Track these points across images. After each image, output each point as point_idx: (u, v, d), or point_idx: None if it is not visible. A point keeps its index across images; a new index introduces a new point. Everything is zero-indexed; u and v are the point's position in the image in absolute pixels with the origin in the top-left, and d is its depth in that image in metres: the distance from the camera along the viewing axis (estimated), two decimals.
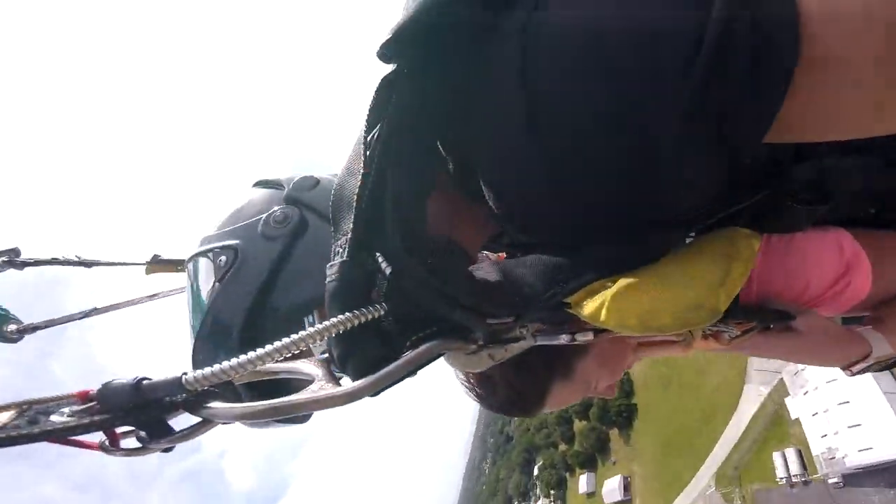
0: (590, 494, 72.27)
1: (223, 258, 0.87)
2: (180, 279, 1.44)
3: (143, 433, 0.54)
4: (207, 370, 0.52)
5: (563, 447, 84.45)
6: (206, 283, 0.89)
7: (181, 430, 0.55)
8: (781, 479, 37.60)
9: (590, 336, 0.73)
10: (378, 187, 0.64)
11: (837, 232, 0.89)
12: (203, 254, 0.91)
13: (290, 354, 0.54)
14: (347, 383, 0.58)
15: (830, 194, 0.81)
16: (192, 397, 0.53)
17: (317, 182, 0.96)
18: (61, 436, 0.49)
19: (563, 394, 1.06)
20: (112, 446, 0.54)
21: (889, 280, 0.92)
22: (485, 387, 1.05)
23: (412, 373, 0.61)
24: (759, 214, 0.77)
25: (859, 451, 28.09)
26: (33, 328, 1.16)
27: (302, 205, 0.92)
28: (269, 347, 0.53)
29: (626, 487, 62.49)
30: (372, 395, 0.58)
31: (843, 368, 0.98)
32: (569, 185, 0.60)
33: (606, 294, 0.62)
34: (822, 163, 0.80)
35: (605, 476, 67.62)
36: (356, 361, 0.60)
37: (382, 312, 0.60)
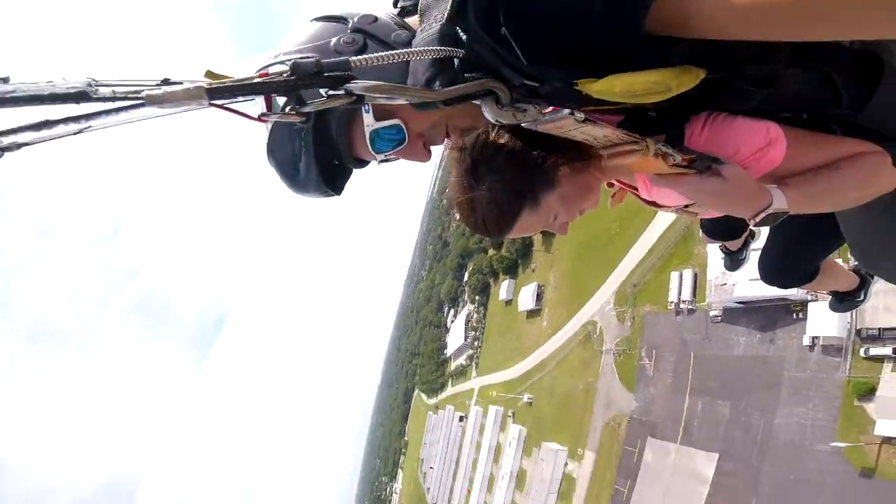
0: (508, 302, 74.09)
1: None
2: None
3: (297, 107, 0.87)
4: (371, 55, 0.84)
5: (491, 252, 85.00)
6: None
7: (328, 95, 0.83)
8: (672, 303, 37.04)
9: (579, 115, 1.01)
10: None
11: (769, 122, 1.26)
12: (283, 62, 1.02)
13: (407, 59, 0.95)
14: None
15: (768, 83, 1.15)
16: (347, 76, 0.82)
17: (376, 18, 1.23)
18: (273, 89, 0.80)
19: (528, 221, 1.36)
20: (268, 111, 0.88)
21: (797, 162, 1.29)
22: (469, 209, 1.35)
23: (467, 97, 0.97)
24: (716, 91, 1.09)
25: (750, 280, 26.73)
26: (17, 146, 0.92)
27: (366, 33, 1.19)
28: (404, 50, 0.92)
29: (539, 296, 63.42)
30: (444, 103, 0.96)
31: (749, 219, 1.30)
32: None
33: (604, 79, 0.95)
34: (770, 67, 1.13)
35: (524, 283, 68.39)
36: (443, 77, 0.99)
37: (460, 55, 0.96)
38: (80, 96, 0.65)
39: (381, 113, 1.23)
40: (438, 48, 0.94)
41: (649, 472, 38.09)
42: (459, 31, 0.96)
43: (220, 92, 0.72)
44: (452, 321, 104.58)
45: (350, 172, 1.41)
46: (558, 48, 0.94)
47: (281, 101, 0.99)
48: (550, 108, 1.09)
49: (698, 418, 34.59)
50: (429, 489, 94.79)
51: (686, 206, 1.60)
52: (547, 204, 1.37)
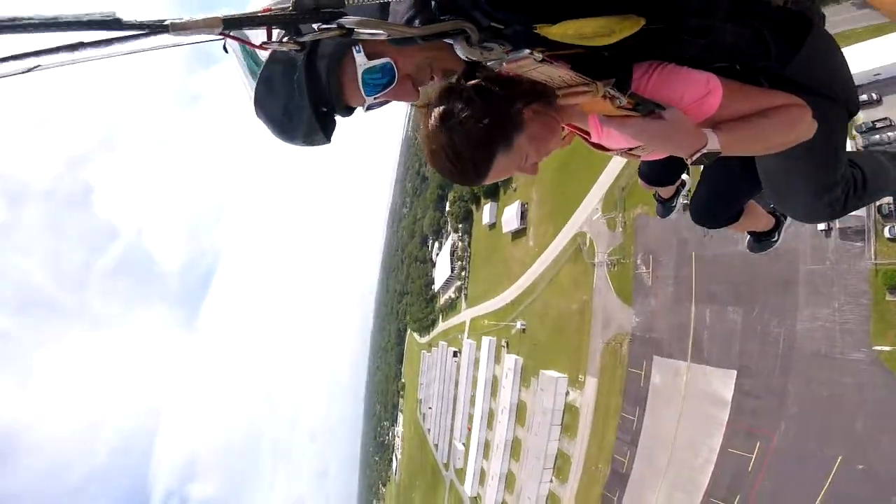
0: (491, 226, 69.94)
1: None
2: None
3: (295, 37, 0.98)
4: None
5: None
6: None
7: (320, 28, 0.97)
8: None
9: (538, 56, 1.14)
10: None
11: (709, 73, 1.42)
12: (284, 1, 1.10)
13: None
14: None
15: (706, 33, 1.33)
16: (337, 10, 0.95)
17: None
18: (276, 20, 0.92)
19: (503, 164, 1.44)
20: (268, 40, 0.96)
21: (731, 110, 1.45)
22: (444, 158, 1.42)
23: (443, 35, 1.12)
24: (660, 40, 1.23)
25: None
26: (52, 66, 1.09)
27: None
28: None
29: (523, 215, 58.85)
30: (423, 39, 1.13)
31: (686, 158, 1.45)
32: None
33: (560, 24, 1.11)
34: (709, 21, 1.32)
35: (506, 204, 63.80)
36: (422, 17, 1.12)
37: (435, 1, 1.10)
38: (112, 23, 0.72)
39: (371, 54, 1.28)
40: None
41: (659, 397, 33.59)
42: None
43: (232, 21, 0.85)
44: (437, 254, 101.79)
45: (334, 122, 1.42)
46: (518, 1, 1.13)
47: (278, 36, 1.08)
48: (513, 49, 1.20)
49: (708, 330, 29.89)
50: (429, 430, 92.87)
51: (630, 150, 1.68)
52: (519, 145, 1.45)
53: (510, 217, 60.69)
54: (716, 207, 2.35)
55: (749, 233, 2.92)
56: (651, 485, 33.04)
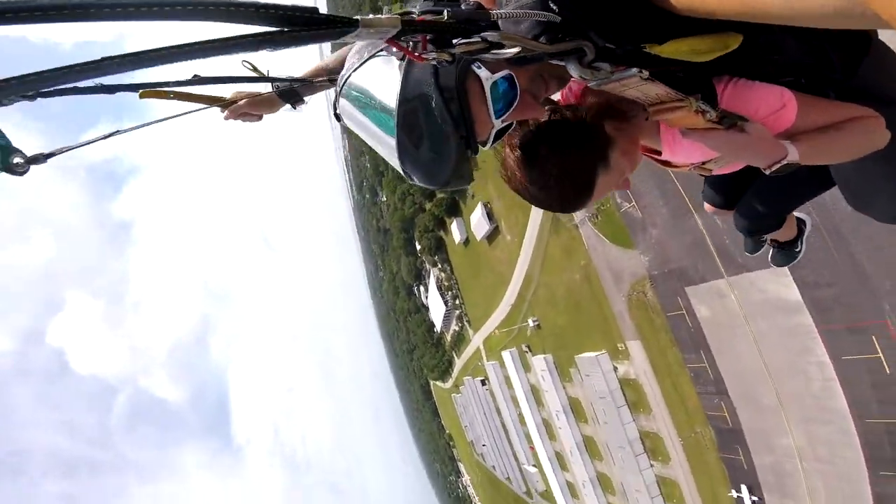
0: (465, 242, 67.11)
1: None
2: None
3: (438, 54, 0.98)
4: (506, 10, 1.06)
5: (429, 205, 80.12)
6: (388, 69, 1.19)
7: (462, 43, 0.98)
8: None
9: (645, 74, 1.15)
10: None
11: (782, 87, 1.46)
12: (437, 10, 1.11)
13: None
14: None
15: (778, 51, 1.40)
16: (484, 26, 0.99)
17: None
18: (441, 28, 0.95)
19: (604, 182, 1.49)
20: (424, 49, 0.97)
21: (806, 122, 1.48)
22: (543, 190, 1.48)
23: (563, 53, 1.12)
24: (737, 57, 1.22)
25: None
26: (45, 156, 1.12)
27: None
28: (528, 11, 1.08)
29: (490, 214, 56.13)
30: (549, 56, 1.12)
31: (764, 168, 1.48)
32: None
33: (668, 43, 1.13)
34: (776, 36, 1.34)
35: (470, 212, 61.13)
36: (547, 36, 1.12)
37: (557, 20, 1.09)
38: (303, 17, 0.68)
39: (490, 68, 1.26)
40: (545, 12, 1.07)
41: (718, 329, 29.12)
42: (550, 1, 1.10)
43: (409, 24, 0.87)
44: (426, 296, 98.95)
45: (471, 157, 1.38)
46: (624, 23, 1.16)
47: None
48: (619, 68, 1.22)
49: (727, 234, 25.58)
50: (494, 467, 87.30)
51: (704, 164, 1.76)
52: (615, 161, 1.51)
53: (478, 222, 57.92)
54: (768, 214, 2.37)
55: (774, 244, 2.95)
56: (776, 429, 27.96)
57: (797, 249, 2.95)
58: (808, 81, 1.54)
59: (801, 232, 2.91)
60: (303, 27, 0.67)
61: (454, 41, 0.97)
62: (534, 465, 65.57)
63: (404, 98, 1.17)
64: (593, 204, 1.64)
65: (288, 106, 1.88)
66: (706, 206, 2.56)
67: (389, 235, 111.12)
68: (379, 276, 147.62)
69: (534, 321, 52.29)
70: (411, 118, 1.19)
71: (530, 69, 1.33)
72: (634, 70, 1.15)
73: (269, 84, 1.78)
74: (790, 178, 1.62)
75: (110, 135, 1.30)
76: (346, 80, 1.26)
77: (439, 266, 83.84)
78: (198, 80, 1.40)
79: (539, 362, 51.83)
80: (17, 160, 1.11)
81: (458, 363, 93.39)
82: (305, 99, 1.87)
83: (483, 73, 1.22)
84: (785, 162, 1.46)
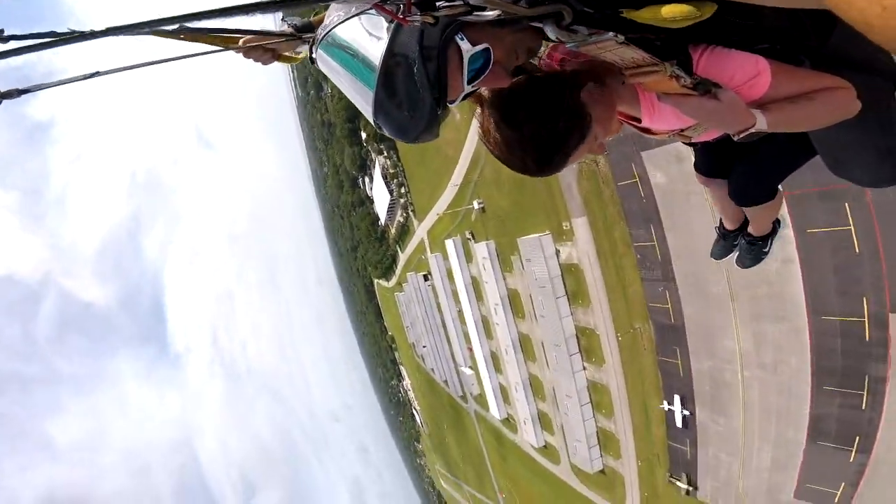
0: None
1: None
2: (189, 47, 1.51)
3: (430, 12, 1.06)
4: None
5: None
6: (374, 30, 1.25)
7: (444, 5, 1.08)
8: None
9: (620, 38, 1.24)
10: None
11: (757, 55, 1.49)
12: (352, 17, 1.28)
13: None
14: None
15: (752, 17, 1.39)
16: None
17: None
18: None
19: (577, 151, 1.56)
20: (409, 12, 1.01)
21: (779, 91, 1.52)
22: (521, 153, 1.53)
23: (542, 16, 1.21)
24: (711, 24, 1.23)
25: None
26: (19, 92, 1.12)
27: None
28: None
29: None
30: (528, 19, 1.23)
31: (733, 135, 1.55)
32: None
33: (645, 8, 1.18)
34: (763, 14, 1.40)
35: None
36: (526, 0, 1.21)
37: None
38: None
39: (471, 41, 1.31)
40: None
41: (673, 198, 24.95)
42: None
43: None
44: (371, 188, 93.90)
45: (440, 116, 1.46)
46: None
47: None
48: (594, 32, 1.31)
49: None
50: (433, 370, 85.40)
51: (682, 131, 1.80)
52: (591, 127, 1.55)
53: None
54: (760, 182, 2.35)
55: (747, 238, 2.88)
56: (721, 327, 24.53)
57: (766, 249, 2.90)
58: (783, 48, 1.55)
59: (773, 231, 2.85)
60: None
61: (437, 4, 1.06)
62: (470, 368, 64.00)
63: (388, 59, 1.23)
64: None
65: (298, 51, 1.78)
66: (697, 176, 2.63)
67: (334, 128, 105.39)
68: (323, 171, 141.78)
69: (478, 203, 47.72)
70: (392, 78, 1.25)
71: (506, 43, 1.39)
72: (610, 34, 1.23)
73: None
74: (772, 145, 1.70)
75: (91, 75, 1.24)
76: (330, 30, 1.32)
77: (385, 154, 78.93)
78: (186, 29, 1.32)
79: (481, 249, 47.75)
80: None
81: (402, 258, 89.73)
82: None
83: (465, 45, 1.28)
84: (753, 130, 1.50)
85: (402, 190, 77.20)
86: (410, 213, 76.97)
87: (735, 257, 3.07)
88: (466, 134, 45.58)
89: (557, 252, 36.38)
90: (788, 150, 2.13)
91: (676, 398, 28.49)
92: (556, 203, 34.55)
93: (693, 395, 27.56)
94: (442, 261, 62.41)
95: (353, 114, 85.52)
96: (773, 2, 1.01)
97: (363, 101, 1.32)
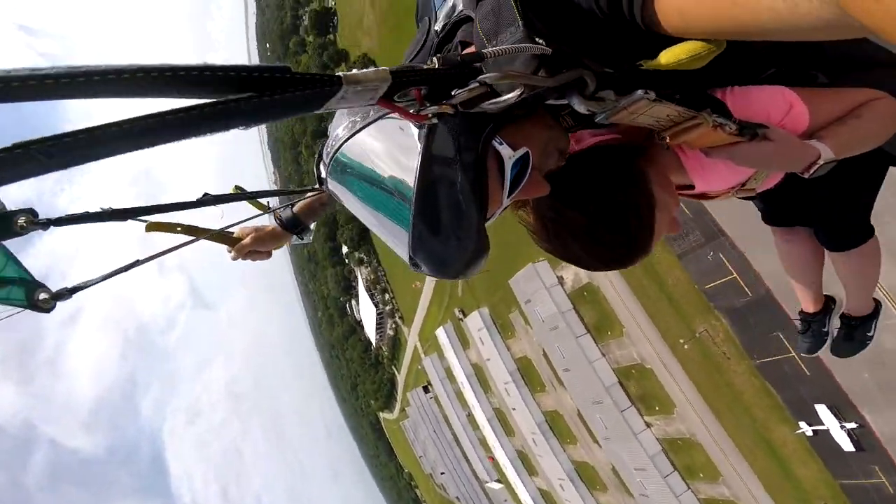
0: None
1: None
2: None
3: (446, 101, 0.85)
4: (499, 47, 0.89)
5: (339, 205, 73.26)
6: (394, 142, 1.00)
7: (461, 91, 0.84)
8: None
9: (651, 94, 1.02)
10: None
11: (775, 86, 1.37)
12: (362, 129, 1.02)
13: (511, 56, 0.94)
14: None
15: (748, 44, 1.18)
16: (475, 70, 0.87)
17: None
18: (440, 76, 0.82)
19: (660, 223, 1.32)
20: (422, 105, 0.83)
21: (820, 117, 1.39)
22: (592, 245, 1.29)
23: (561, 89, 0.98)
24: (722, 67, 1.12)
25: None
26: (69, 291, 1.11)
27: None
28: (521, 45, 0.92)
29: None
30: (552, 85, 0.96)
31: (801, 172, 1.38)
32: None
33: (662, 53, 1.03)
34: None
35: None
36: (546, 69, 0.96)
37: (549, 52, 0.93)
38: (279, 77, 0.57)
39: (510, 144, 1.10)
40: (534, 45, 0.93)
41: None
42: (535, 36, 0.97)
43: (401, 75, 0.71)
44: (358, 309, 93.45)
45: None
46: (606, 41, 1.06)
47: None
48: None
49: None
50: (458, 497, 73.10)
51: (744, 185, 1.62)
52: (658, 195, 1.33)
53: None
54: (849, 210, 2.10)
55: (843, 320, 2.58)
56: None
57: (869, 333, 2.57)
58: (791, 68, 1.45)
59: (875, 311, 2.58)
60: (275, 90, 0.56)
61: (452, 91, 0.87)
62: (497, 481, 53.62)
63: (424, 178, 0.97)
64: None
65: (295, 238, 1.83)
66: (774, 231, 2.38)
67: (316, 255, 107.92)
68: (318, 316, 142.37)
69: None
70: (431, 204, 0.99)
71: (541, 142, 1.18)
72: (640, 92, 1.04)
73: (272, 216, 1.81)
74: (846, 164, 1.49)
75: (131, 265, 1.28)
76: (338, 149, 1.04)
77: (365, 261, 79.47)
78: (209, 199, 1.35)
79: (475, 322, 40.52)
80: (42, 296, 1.10)
81: (400, 379, 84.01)
82: (311, 227, 1.85)
83: (504, 150, 1.06)
84: (822, 162, 1.37)
85: (387, 296, 77.00)
86: (399, 321, 75.72)
87: (829, 346, 2.68)
88: None
89: (560, 279, 28.92)
90: (859, 162, 1.73)
91: (822, 409, 18.84)
92: None
93: (847, 395, 18.13)
94: (438, 361, 55.47)
95: (332, 231, 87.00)
96: (802, 35, 0.83)
97: (395, 240, 1.05)
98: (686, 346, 22.89)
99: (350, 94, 0.65)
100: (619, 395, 27.95)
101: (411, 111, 0.84)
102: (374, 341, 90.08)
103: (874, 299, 2.57)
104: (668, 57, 1.04)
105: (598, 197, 1.28)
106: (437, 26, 1.22)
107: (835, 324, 2.62)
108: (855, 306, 2.53)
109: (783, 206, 2.25)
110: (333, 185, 1.09)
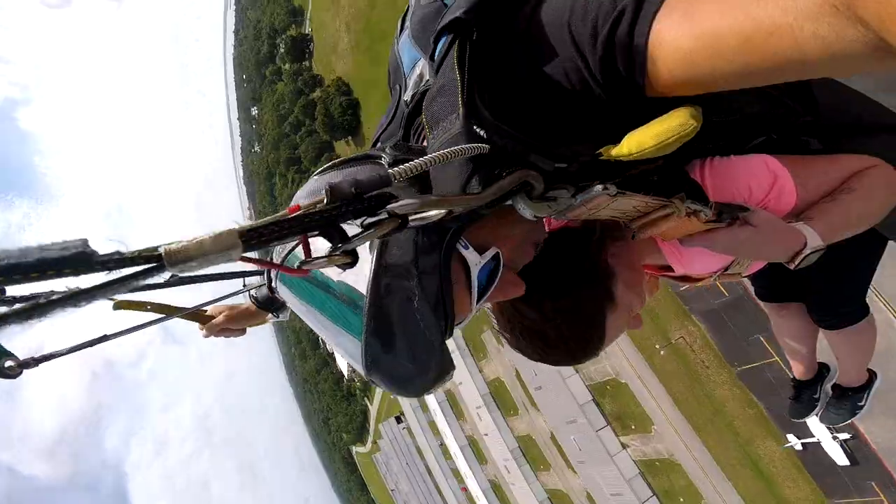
0: None
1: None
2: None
3: (331, 243, 0.65)
4: (408, 165, 0.68)
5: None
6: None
7: (361, 232, 0.65)
8: None
9: (612, 189, 0.88)
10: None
11: (758, 155, 1.24)
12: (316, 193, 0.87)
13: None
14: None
15: (736, 111, 1.12)
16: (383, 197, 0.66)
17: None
18: (314, 224, 0.59)
19: (614, 325, 1.26)
20: (308, 257, 0.66)
21: (807, 191, 1.26)
22: (544, 344, 1.24)
23: (505, 197, 0.82)
24: (701, 138, 0.95)
25: None
26: (36, 361, 1.04)
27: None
28: (438, 153, 0.72)
29: None
30: (488, 204, 0.81)
31: (787, 263, 1.23)
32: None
33: (624, 140, 0.88)
34: (731, 96, 1.00)
35: None
36: (479, 176, 0.82)
37: (486, 150, 0.80)
38: (77, 261, 0.42)
39: (476, 246, 1.00)
40: (466, 146, 0.80)
41: None
42: (476, 127, 0.85)
43: (255, 235, 0.52)
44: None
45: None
46: (567, 122, 0.93)
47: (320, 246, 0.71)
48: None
49: None
50: None
51: (725, 270, 1.50)
52: (620, 295, 1.28)
53: None
54: (844, 287, 2.05)
55: (836, 391, 2.56)
56: None
57: (861, 404, 2.52)
58: (780, 134, 1.31)
59: (869, 382, 2.52)
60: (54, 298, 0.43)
61: (359, 221, 0.68)
62: None
63: (377, 295, 0.88)
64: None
65: (271, 315, 1.76)
66: (765, 305, 2.35)
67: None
68: (292, 351, 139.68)
69: None
70: (385, 324, 0.90)
71: (514, 238, 1.09)
72: (598, 188, 0.89)
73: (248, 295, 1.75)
74: (840, 244, 1.35)
75: (99, 339, 1.24)
76: (286, 257, 0.91)
77: None
78: (177, 281, 1.24)
79: (472, 398, 38.13)
80: (8, 363, 0.99)
81: (373, 410, 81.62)
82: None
83: (470, 254, 0.97)
84: (808, 251, 1.21)
85: None
86: None
87: (819, 414, 2.67)
88: None
89: None
90: (856, 241, 1.61)
91: (812, 422, 17.54)
92: None
93: None
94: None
95: None
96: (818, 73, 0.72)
97: (350, 355, 0.95)
98: (662, 353, 21.57)
99: (184, 268, 0.48)
100: (594, 412, 26.63)
101: (295, 266, 0.68)
102: (346, 373, 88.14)
103: (868, 370, 2.50)
104: (630, 145, 0.86)
105: (556, 296, 1.19)
106: (407, 96, 1.09)
107: (827, 390, 2.59)
108: (847, 379, 2.49)
109: (775, 283, 2.20)
110: (284, 292, 1.01)
